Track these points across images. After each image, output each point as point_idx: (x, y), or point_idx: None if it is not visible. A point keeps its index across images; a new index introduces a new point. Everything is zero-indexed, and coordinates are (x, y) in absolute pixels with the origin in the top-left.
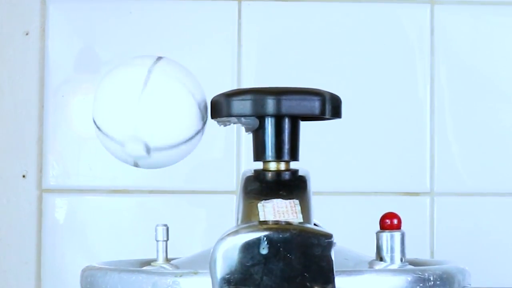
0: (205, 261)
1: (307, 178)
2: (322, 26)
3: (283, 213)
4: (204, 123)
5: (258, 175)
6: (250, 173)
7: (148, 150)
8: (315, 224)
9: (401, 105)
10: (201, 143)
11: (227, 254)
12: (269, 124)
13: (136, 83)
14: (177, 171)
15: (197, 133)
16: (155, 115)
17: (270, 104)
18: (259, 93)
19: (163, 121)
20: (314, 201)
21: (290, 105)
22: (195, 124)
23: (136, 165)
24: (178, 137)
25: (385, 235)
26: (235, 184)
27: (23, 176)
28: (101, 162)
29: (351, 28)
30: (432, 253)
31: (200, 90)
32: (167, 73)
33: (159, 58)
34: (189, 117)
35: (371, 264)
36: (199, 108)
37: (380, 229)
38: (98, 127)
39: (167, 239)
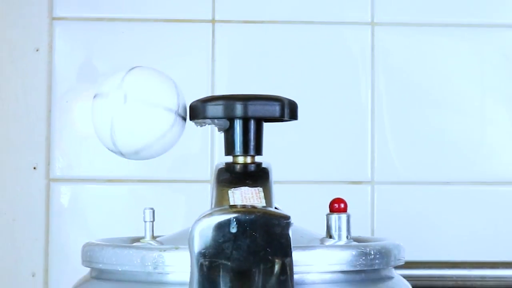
0: (185, 238)
1: (269, 169)
2: (282, 44)
3: (249, 199)
4: (182, 117)
5: (229, 167)
6: (222, 165)
7: (122, 155)
8: (276, 208)
9: (347, 109)
10: (181, 140)
11: (203, 233)
12: (238, 125)
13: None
14: (161, 164)
15: (170, 128)
16: (123, 129)
17: (239, 108)
18: (229, 99)
19: (130, 131)
20: (275, 189)
21: (255, 109)
22: (164, 122)
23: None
24: (147, 139)
25: (334, 217)
26: (209, 174)
27: (34, 168)
28: (99, 156)
29: (305, 45)
30: (372, 231)
31: (171, 85)
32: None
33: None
34: (154, 120)
35: (322, 241)
36: (168, 108)
37: (330, 211)
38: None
39: (153, 220)
